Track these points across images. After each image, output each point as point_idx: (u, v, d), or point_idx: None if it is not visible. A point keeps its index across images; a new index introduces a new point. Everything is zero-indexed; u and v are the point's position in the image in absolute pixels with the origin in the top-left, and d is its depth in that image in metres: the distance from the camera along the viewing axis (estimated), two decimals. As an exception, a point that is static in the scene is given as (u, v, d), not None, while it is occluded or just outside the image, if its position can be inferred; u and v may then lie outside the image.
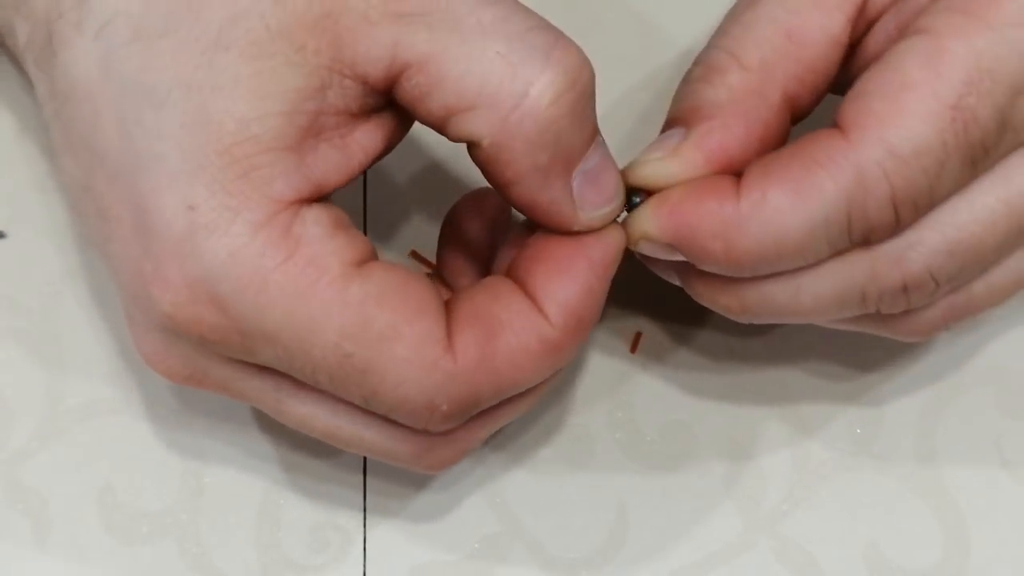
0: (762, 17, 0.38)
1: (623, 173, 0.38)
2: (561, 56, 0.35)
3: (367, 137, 0.37)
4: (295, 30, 0.35)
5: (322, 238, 0.35)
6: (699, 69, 0.39)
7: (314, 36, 0.35)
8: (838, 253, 0.37)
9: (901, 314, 0.39)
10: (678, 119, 0.38)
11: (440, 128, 0.36)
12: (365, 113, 0.37)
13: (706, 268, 0.37)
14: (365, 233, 0.45)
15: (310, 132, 0.36)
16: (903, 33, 0.38)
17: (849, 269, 0.37)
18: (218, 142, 0.35)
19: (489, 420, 0.39)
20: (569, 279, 0.37)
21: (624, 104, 0.48)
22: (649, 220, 0.37)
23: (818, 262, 0.37)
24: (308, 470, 0.44)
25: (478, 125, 0.35)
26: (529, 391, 0.39)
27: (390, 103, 0.37)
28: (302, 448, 0.44)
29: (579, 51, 0.36)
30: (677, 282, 0.40)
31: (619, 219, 0.38)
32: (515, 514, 0.44)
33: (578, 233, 0.37)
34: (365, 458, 0.44)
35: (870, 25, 0.39)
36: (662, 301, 0.46)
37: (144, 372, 0.44)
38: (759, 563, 0.44)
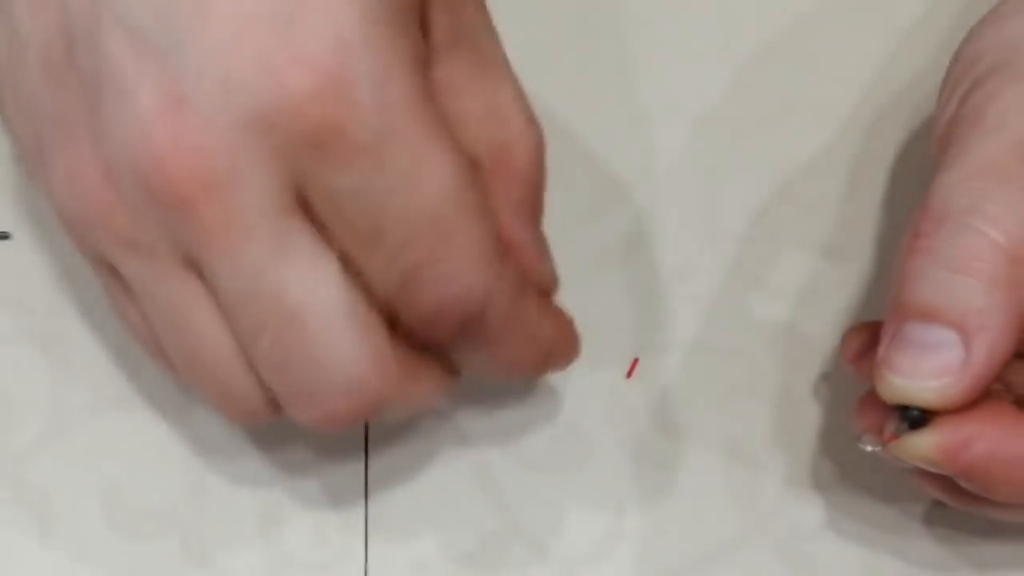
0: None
1: (895, 386, 0.37)
2: None
3: None
4: None
5: None
6: (954, 253, 0.36)
7: None
8: None
9: None
10: (941, 319, 0.36)
11: None
12: None
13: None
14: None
15: None
16: None
17: None
18: None
19: None
20: None
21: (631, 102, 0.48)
22: (936, 450, 0.36)
23: None
24: (310, 469, 0.44)
25: None
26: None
27: None
28: (305, 447, 0.44)
29: None
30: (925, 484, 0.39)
31: (896, 432, 0.37)
32: (515, 514, 0.44)
33: None
34: (366, 458, 0.44)
35: None
36: (663, 301, 0.46)
37: (148, 372, 0.45)
38: (759, 563, 0.44)
